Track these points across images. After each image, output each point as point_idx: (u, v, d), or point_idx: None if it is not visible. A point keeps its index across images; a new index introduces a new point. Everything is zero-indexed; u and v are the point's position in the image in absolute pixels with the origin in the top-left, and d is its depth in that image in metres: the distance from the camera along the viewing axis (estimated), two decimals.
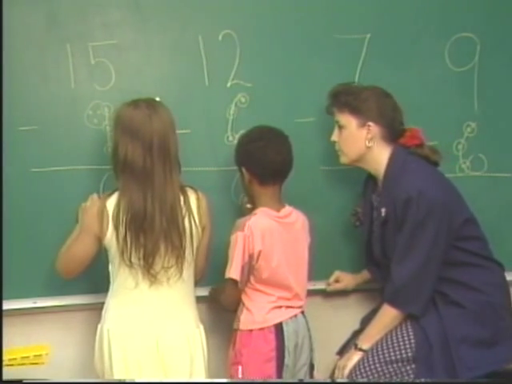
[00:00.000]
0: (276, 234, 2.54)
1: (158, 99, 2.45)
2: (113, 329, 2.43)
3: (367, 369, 2.55)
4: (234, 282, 2.52)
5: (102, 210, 2.39)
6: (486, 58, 2.92)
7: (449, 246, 2.55)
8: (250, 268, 2.51)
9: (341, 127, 2.62)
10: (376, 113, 2.58)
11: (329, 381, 2.73)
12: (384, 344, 2.58)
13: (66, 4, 2.61)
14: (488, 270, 2.64)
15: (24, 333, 2.63)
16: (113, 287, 2.47)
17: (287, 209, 2.61)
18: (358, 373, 2.56)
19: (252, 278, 2.54)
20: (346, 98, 2.60)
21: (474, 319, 2.56)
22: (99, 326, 2.47)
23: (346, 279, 2.87)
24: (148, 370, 2.42)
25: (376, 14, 2.84)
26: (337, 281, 2.87)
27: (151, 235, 2.37)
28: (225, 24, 2.73)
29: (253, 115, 2.73)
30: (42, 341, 2.48)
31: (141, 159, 2.35)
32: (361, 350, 2.60)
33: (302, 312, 2.64)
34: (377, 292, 2.79)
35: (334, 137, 2.65)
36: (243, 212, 2.64)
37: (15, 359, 2.25)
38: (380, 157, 2.61)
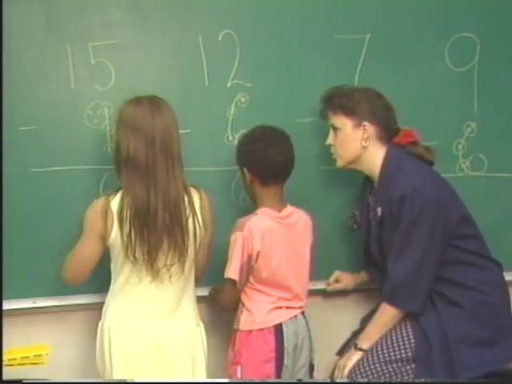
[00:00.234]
0: (276, 235, 2.54)
1: None
2: (113, 327, 2.44)
3: (367, 369, 2.55)
4: (233, 281, 2.52)
5: (107, 210, 2.39)
6: (485, 57, 2.91)
7: (445, 244, 2.56)
8: (249, 268, 2.51)
9: (336, 130, 2.62)
10: (370, 113, 2.58)
11: (329, 381, 2.73)
12: (384, 344, 2.58)
13: (66, 4, 2.61)
14: (486, 269, 2.64)
15: (24, 333, 2.63)
16: (114, 285, 2.47)
17: (289, 209, 2.61)
18: (357, 373, 2.56)
19: (252, 278, 2.55)
20: (339, 101, 2.60)
21: (473, 319, 2.56)
22: (100, 324, 2.47)
23: (345, 279, 2.87)
24: (149, 369, 2.42)
25: (376, 14, 2.84)
26: (337, 281, 2.87)
27: (154, 231, 2.37)
28: (225, 24, 2.73)
29: (253, 115, 2.73)
30: (42, 341, 2.49)
31: (143, 155, 2.36)
32: (361, 349, 2.60)
33: (303, 312, 2.64)
34: (376, 292, 2.78)
35: (330, 140, 2.65)
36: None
37: (15, 359, 2.24)
38: (375, 157, 2.61)
